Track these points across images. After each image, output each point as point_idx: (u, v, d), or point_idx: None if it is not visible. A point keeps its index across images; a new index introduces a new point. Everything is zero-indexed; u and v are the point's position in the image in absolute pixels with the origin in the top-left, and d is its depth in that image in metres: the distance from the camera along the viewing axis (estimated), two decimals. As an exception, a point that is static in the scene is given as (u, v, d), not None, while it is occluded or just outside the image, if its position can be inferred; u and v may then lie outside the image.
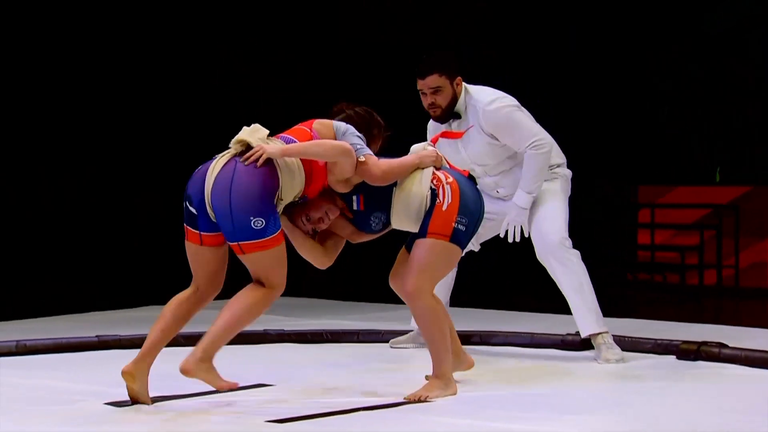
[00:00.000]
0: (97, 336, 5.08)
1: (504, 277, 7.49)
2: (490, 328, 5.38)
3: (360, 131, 3.92)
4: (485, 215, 4.83)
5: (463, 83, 4.81)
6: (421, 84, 4.76)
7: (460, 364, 4.13)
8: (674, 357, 4.78)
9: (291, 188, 3.79)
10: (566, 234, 4.81)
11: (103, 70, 7.15)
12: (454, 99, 4.77)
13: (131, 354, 4.66)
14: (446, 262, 3.88)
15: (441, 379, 3.87)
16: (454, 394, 3.87)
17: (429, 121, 4.96)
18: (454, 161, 4.91)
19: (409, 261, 3.90)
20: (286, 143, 3.78)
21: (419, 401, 3.78)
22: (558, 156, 4.94)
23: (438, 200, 3.86)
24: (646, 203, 8.96)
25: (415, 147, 4.09)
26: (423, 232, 3.86)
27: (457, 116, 4.80)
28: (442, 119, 4.81)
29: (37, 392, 4.00)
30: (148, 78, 7.33)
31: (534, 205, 4.81)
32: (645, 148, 8.98)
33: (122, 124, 7.34)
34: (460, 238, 3.86)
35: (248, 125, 3.87)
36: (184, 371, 3.73)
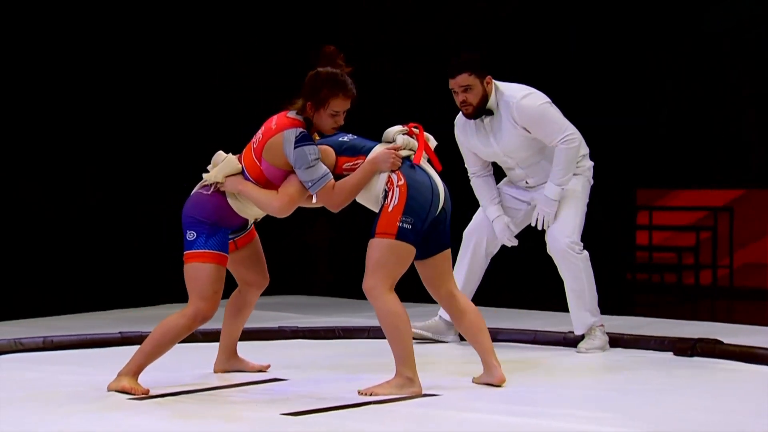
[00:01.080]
0: (119, 332, 5.09)
1: (508, 277, 7.47)
2: (494, 326, 5.36)
3: (309, 94, 3.87)
4: (516, 207, 4.91)
5: (493, 80, 4.81)
6: (452, 83, 4.77)
7: (488, 377, 4.01)
8: (671, 353, 4.77)
9: (245, 210, 3.99)
10: (577, 238, 4.85)
11: (104, 72, 7.01)
12: (485, 97, 4.78)
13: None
14: (396, 258, 3.82)
15: (398, 378, 3.79)
16: (416, 394, 3.76)
17: (456, 119, 4.95)
18: (485, 154, 4.93)
19: (366, 261, 3.88)
20: (244, 177, 3.95)
21: (369, 395, 3.74)
22: (583, 147, 4.96)
23: (386, 202, 3.86)
24: (644, 205, 8.94)
25: (387, 133, 4.00)
26: (372, 233, 3.86)
27: (489, 113, 4.81)
28: (473, 116, 4.82)
29: (64, 386, 3.99)
30: (149, 78, 7.19)
31: None
32: (643, 151, 8.95)
33: (133, 122, 7.20)
34: (406, 235, 3.82)
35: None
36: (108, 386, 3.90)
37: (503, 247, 5.13)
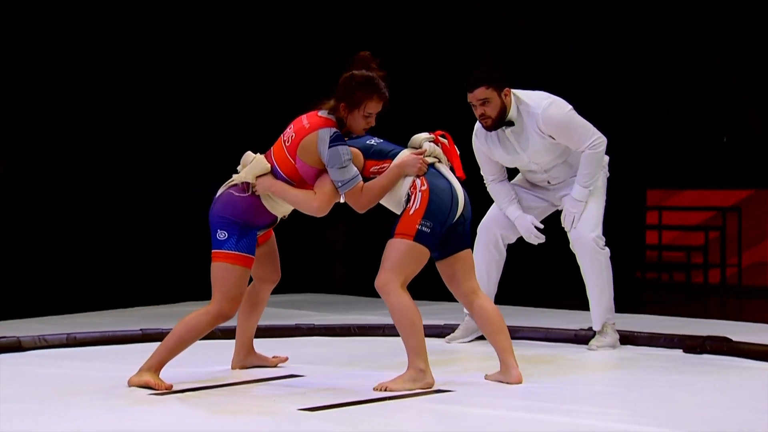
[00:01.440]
0: (141, 329, 5.12)
1: (524, 276, 7.47)
2: (508, 324, 5.37)
3: (344, 96, 3.91)
4: (534, 205, 4.97)
5: (512, 91, 4.79)
6: (470, 97, 4.74)
7: (504, 376, 4.01)
8: (681, 350, 4.77)
9: (276, 208, 4.01)
10: (600, 231, 4.87)
11: (104, 72, 6.95)
12: (504, 109, 4.75)
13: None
14: (412, 258, 3.86)
15: (411, 370, 3.81)
16: (428, 387, 3.78)
17: (475, 129, 4.92)
18: (508, 162, 4.93)
19: (382, 259, 3.93)
20: (275, 174, 3.96)
21: (383, 391, 3.76)
22: None
23: (408, 205, 3.90)
24: (654, 206, 8.93)
25: (414, 139, 4.05)
26: (391, 234, 3.89)
27: (510, 124, 4.79)
28: (492, 128, 4.79)
29: (86, 382, 4.02)
30: (149, 78, 7.13)
31: None
32: (653, 153, 8.93)
33: (144, 123, 7.16)
34: (424, 238, 3.86)
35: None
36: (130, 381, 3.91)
37: (518, 245, 5.12)
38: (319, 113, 3.97)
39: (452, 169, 4.04)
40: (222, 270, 3.94)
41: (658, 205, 8.91)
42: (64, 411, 3.52)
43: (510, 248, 5.11)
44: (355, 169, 3.93)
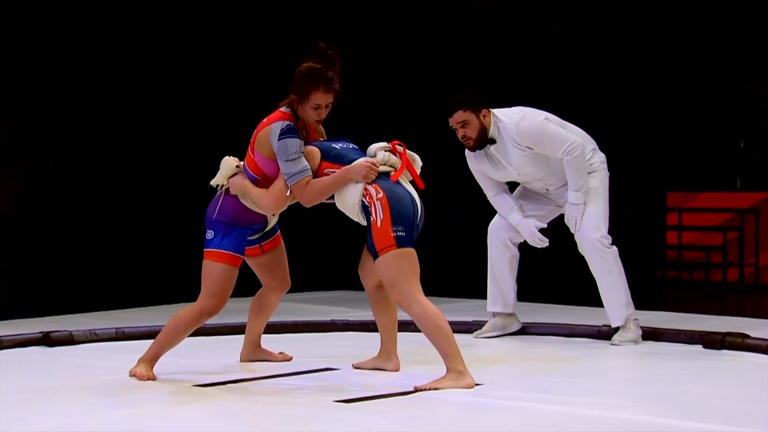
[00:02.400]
0: (185, 324, 5.14)
1: (547, 275, 7.43)
2: (534, 320, 5.35)
3: (294, 88, 3.87)
4: (537, 213, 4.96)
5: (491, 111, 4.81)
6: (450, 121, 4.81)
7: (387, 363, 4.10)
8: (701, 346, 4.72)
9: (256, 207, 4.01)
10: (605, 231, 4.85)
11: (108, 73, 6.79)
12: (483, 129, 4.80)
13: (215, 340, 4.71)
14: (407, 263, 3.80)
15: (451, 373, 3.77)
16: (469, 386, 3.73)
17: (465, 153, 4.96)
18: (500, 177, 4.94)
19: (383, 280, 3.88)
20: (246, 173, 3.99)
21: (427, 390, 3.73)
22: (589, 143, 4.95)
23: (372, 218, 3.82)
24: (674, 207, 8.88)
25: (371, 148, 3.98)
26: (375, 254, 3.82)
27: (492, 141, 4.83)
28: (475, 149, 4.86)
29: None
30: (151, 79, 6.99)
31: None
32: (672, 157, 8.87)
33: (166, 123, 7.04)
34: (404, 240, 3.80)
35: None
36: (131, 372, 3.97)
37: (541, 251, 5.11)
38: (281, 108, 3.93)
39: (413, 182, 3.97)
40: (207, 267, 3.95)
41: (678, 207, 8.86)
42: (115, 400, 3.55)
43: (527, 247, 5.09)
44: (305, 163, 3.85)
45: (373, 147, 3.98)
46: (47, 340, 4.76)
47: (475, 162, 4.96)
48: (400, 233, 3.79)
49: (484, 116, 4.79)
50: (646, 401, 3.53)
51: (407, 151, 3.98)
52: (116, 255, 6.86)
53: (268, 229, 4.14)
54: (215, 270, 3.92)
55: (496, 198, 5.04)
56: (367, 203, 3.84)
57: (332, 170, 3.91)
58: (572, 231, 4.91)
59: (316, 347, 4.54)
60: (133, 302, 6.45)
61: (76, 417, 3.29)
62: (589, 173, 4.89)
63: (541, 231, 4.95)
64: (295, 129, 3.87)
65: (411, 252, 3.82)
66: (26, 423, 3.20)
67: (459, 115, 4.76)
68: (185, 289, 6.75)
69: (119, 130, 6.91)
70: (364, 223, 3.90)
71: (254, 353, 4.36)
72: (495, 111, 4.85)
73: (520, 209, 4.99)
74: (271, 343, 4.49)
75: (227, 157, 4.04)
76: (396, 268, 3.78)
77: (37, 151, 6.57)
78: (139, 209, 6.95)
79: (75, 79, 6.65)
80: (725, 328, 4.92)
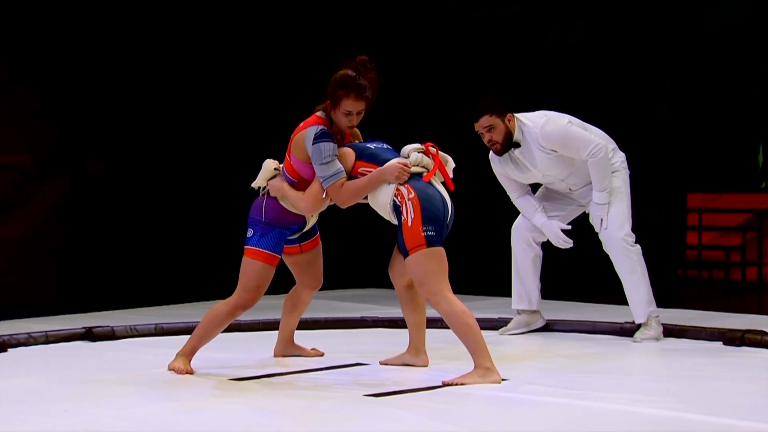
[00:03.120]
0: (221, 321, 5.15)
1: (570, 274, 7.39)
2: (555, 317, 5.33)
3: (329, 94, 3.87)
4: (560, 213, 4.94)
5: (515, 115, 4.80)
6: (477, 126, 4.79)
7: (416, 359, 4.09)
8: (721, 343, 4.68)
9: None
10: (629, 229, 4.85)
11: (160, 76, 6.81)
12: (509, 133, 4.79)
13: (251, 336, 4.72)
14: (437, 262, 3.79)
15: (478, 369, 3.75)
16: (496, 382, 3.71)
17: (490, 157, 4.95)
18: (525, 179, 4.93)
19: (413, 278, 3.87)
20: (284, 175, 4.00)
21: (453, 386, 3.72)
22: (609, 143, 4.95)
23: (403, 217, 3.81)
24: (695, 208, 8.81)
25: (404, 149, 3.97)
26: (405, 252, 3.81)
27: (517, 145, 4.82)
28: (501, 152, 4.85)
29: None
30: (193, 80, 6.98)
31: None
32: (693, 159, 8.79)
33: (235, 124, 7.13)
34: (434, 240, 3.79)
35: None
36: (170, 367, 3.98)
37: (564, 251, 5.08)
38: (317, 113, 3.95)
39: (444, 184, 3.96)
40: (245, 264, 3.98)
41: (698, 208, 8.79)
42: (156, 392, 3.57)
43: (550, 246, 5.07)
44: (339, 165, 3.85)
45: (407, 148, 3.97)
46: (90, 335, 4.80)
47: (499, 165, 4.95)
48: (430, 232, 3.79)
49: (509, 120, 4.79)
50: (671, 396, 3.50)
51: (440, 152, 3.98)
52: (156, 254, 6.90)
53: (307, 229, 4.15)
54: (252, 267, 3.95)
55: (519, 200, 5.03)
56: (398, 203, 3.84)
57: (367, 169, 3.90)
58: (597, 230, 4.88)
59: (346, 343, 4.53)
60: (172, 299, 6.48)
61: (123, 409, 3.31)
62: (611, 173, 4.86)
63: (565, 233, 4.93)
64: (329, 133, 3.87)
65: (440, 251, 3.81)
66: (71, 414, 3.22)
67: (485, 120, 4.75)
68: (221, 286, 6.81)
69: (161, 131, 6.97)
70: (395, 222, 3.90)
71: (287, 348, 4.37)
72: (518, 115, 4.84)
73: (544, 210, 4.97)
74: (303, 338, 4.49)
75: (268, 159, 4.06)
76: (426, 266, 3.78)
77: (81, 153, 6.63)
78: (178, 209, 7.00)
79: (120, 84, 6.72)
80: (745, 326, 4.88)
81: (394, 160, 3.90)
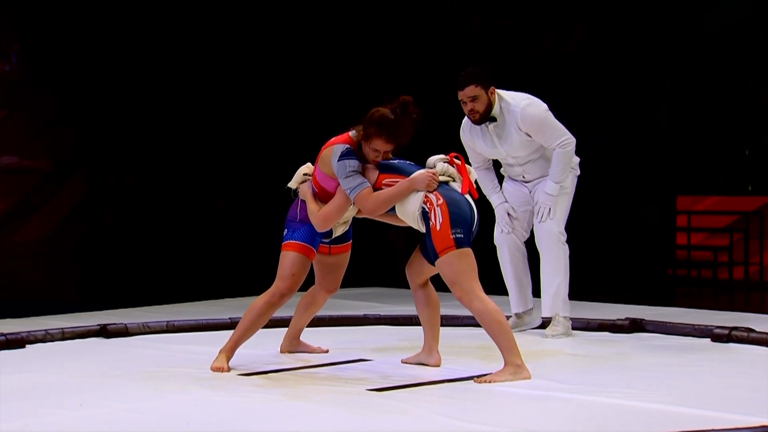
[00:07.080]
0: (229, 318, 5.14)
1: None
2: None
3: (364, 126, 3.84)
4: (519, 209, 4.92)
5: (496, 90, 4.77)
6: (461, 94, 4.73)
7: (429, 358, 4.05)
8: (709, 339, 4.66)
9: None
10: (563, 228, 4.84)
11: (190, 81, 6.81)
12: (490, 105, 4.74)
13: (259, 332, 4.71)
14: (466, 264, 3.78)
15: (509, 366, 3.73)
16: (526, 379, 3.69)
17: (462, 123, 4.91)
18: (489, 154, 4.92)
19: (444, 279, 3.85)
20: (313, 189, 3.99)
21: (485, 383, 3.69)
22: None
23: (431, 222, 3.80)
24: (684, 210, 8.79)
25: (430, 160, 3.96)
26: (435, 256, 3.81)
27: (493, 119, 4.77)
28: (479, 122, 4.79)
29: (183, 363, 4.07)
30: (222, 85, 6.93)
31: None
32: (682, 163, 8.77)
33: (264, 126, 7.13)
34: (462, 241, 3.79)
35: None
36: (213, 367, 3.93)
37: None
38: (350, 133, 3.93)
39: (469, 192, 3.94)
40: (281, 257, 3.99)
41: (687, 210, 8.77)
42: (165, 384, 3.56)
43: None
44: (362, 177, 3.85)
45: (433, 159, 3.97)
46: (104, 331, 4.79)
47: (468, 135, 4.90)
48: (458, 235, 3.78)
49: (491, 93, 4.74)
50: (662, 391, 3.50)
51: (465, 163, 3.99)
52: (168, 254, 6.89)
53: (336, 236, 4.15)
54: (288, 257, 3.97)
55: (480, 171, 4.97)
56: (427, 209, 3.83)
57: (392, 180, 3.88)
58: (535, 220, 4.85)
59: (349, 340, 4.52)
60: (183, 297, 6.48)
61: (135, 402, 3.31)
62: None
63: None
64: (355, 153, 3.88)
65: (469, 252, 3.81)
66: (86, 407, 3.22)
67: (470, 90, 4.68)
68: (235, 284, 6.80)
69: (173, 138, 6.97)
70: (422, 229, 3.88)
71: (293, 345, 4.36)
72: (500, 92, 4.78)
73: (502, 192, 4.96)
74: (308, 335, 4.48)
75: (307, 163, 4.07)
76: (456, 267, 3.77)
77: (98, 158, 6.63)
78: (190, 212, 6.98)
79: (135, 93, 6.77)
80: (732, 323, 4.86)
81: (423, 170, 3.90)
